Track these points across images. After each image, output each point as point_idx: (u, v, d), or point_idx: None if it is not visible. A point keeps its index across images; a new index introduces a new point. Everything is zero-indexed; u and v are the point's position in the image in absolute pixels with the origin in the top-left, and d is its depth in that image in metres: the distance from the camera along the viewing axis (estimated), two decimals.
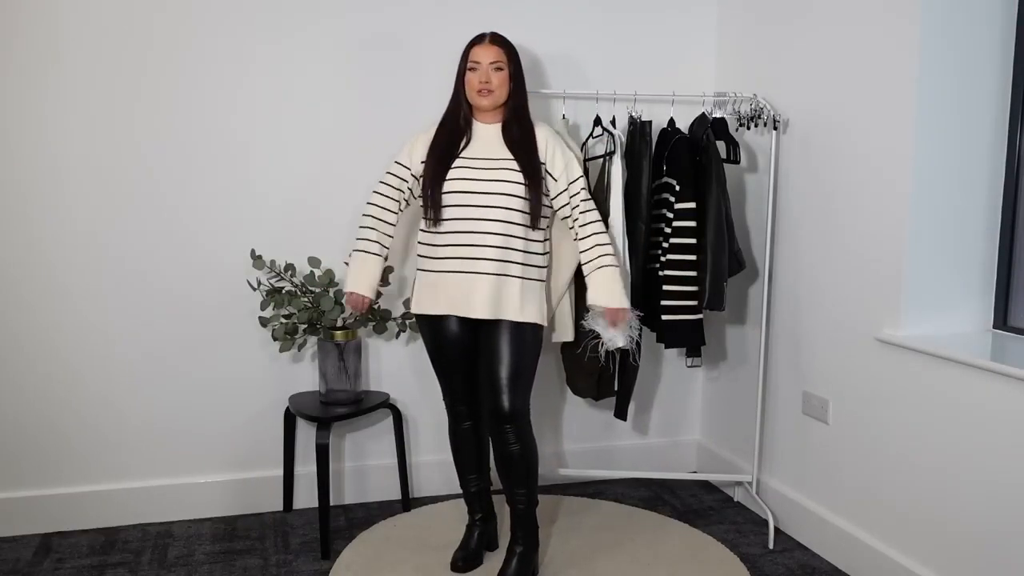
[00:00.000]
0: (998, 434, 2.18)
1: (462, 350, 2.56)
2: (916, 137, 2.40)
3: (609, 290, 2.50)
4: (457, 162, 2.46)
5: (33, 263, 2.82)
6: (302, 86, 2.96)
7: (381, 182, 2.58)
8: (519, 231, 2.46)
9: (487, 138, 2.50)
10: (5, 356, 2.84)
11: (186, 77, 2.87)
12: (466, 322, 2.52)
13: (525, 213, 2.45)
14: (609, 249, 2.52)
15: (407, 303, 2.94)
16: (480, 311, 2.45)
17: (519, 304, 2.46)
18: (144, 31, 2.81)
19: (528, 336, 2.49)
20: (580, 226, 2.53)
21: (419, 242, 2.56)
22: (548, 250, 2.61)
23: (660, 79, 3.25)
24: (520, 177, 2.44)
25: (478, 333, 2.53)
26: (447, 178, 2.45)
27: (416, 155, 2.54)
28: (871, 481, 2.61)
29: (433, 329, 2.56)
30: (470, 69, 2.46)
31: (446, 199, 2.45)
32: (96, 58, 2.79)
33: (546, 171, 2.51)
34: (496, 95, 2.46)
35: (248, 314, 2.96)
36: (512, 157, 2.45)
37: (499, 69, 2.45)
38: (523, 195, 2.44)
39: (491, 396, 2.48)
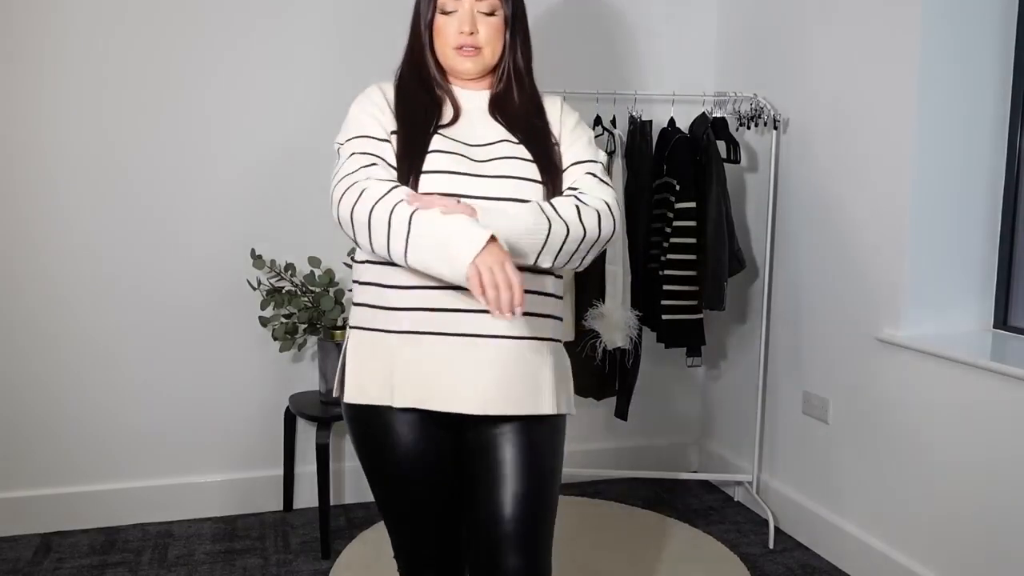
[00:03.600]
0: (998, 434, 2.18)
1: (437, 474, 1.56)
2: (916, 137, 2.40)
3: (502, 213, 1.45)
4: (437, 142, 1.52)
5: (32, 263, 2.82)
6: (303, 85, 2.96)
7: (355, 181, 1.47)
8: None
9: (474, 111, 1.61)
10: (5, 356, 2.84)
11: (185, 76, 2.87)
12: (443, 423, 1.53)
13: None
14: (576, 207, 1.51)
15: (340, 386, 1.62)
16: (486, 402, 1.47)
17: (552, 384, 1.54)
18: (139, 29, 2.81)
19: (559, 438, 1.60)
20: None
21: (356, 280, 1.57)
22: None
23: (660, 79, 3.25)
24: (533, 170, 1.53)
25: (464, 439, 1.56)
26: (423, 169, 1.49)
27: (387, 122, 1.55)
28: (871, 481, 2.61)
29: (379, 435, 1.54)
30: (443, 12, 1.57)
31: None
32: (95, 57, 2.79)
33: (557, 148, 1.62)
34: (485, 54, 1.59)
35: (248, 314, 2.96)
36: (517, 140, 1.57)
37: (490, 14, 1.58)
38: (539, 199, 1.52)
39: (492, 552, 1.51)
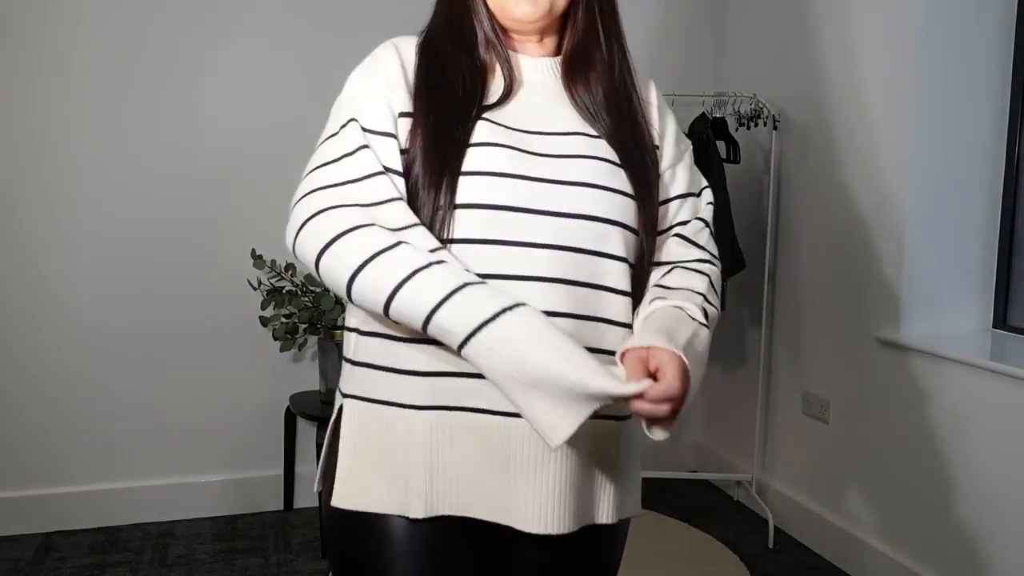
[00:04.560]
0: (998, 434, 2.18)
1: None
2: (916, 136, 2.40)
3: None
4: (482, 130, 1.06)
5: (31, 263, 2.82)
6: (305, 83, 2.96)
7: (334, 203, 1.04)
8: (617, 302, 1.08)
9: (536, 87, 1.13)
10: (5, 355, 2.84)
11: (183, 75, 2.87)
12: (478, 538, 1.09)
13: (628, 264, 1.09)
14: (712, 309, 1.13)
15: (327, 478, 1.13)
16: (550, 515, 1.03)
17: (629, 479, 1.14)
18: (141, 27, 2.82)
19: (619, 551, 1.20)
20: (682, 259, 1.17)
21: (354, 328, 1.12)
22: None
23: (660, 79, 3.24)
24: (622, 179, 1.09)
25: (504, 560, 1.13)
26: (463, 169, 1.03)
27: (398, 101, 1.08)
28: (871, 481, 2.61)
29: (382, 556, 1.07)
30: None
31: (463, 220, 1.03)
32: (96, 54, 2.79)
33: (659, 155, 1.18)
34: None
35: (248, 314, 2.97)
36: (597, 132, 1.12)
37: None
38: (629, 221, 1.09)
39: None
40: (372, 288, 0.97)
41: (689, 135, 2.91)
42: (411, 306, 0.96)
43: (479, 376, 1.00)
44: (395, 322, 1.01)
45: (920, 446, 2.42)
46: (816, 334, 2.83)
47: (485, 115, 1.07)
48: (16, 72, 2.74)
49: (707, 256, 1.18)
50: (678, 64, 3.30)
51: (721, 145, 2.91)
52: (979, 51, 2.41)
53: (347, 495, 1.08)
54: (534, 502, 1.03)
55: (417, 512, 1.04)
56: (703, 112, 2.95)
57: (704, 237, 1.18)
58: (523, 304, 0.96)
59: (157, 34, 2.83)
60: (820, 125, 2.77)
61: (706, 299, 1.12)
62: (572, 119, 1.12)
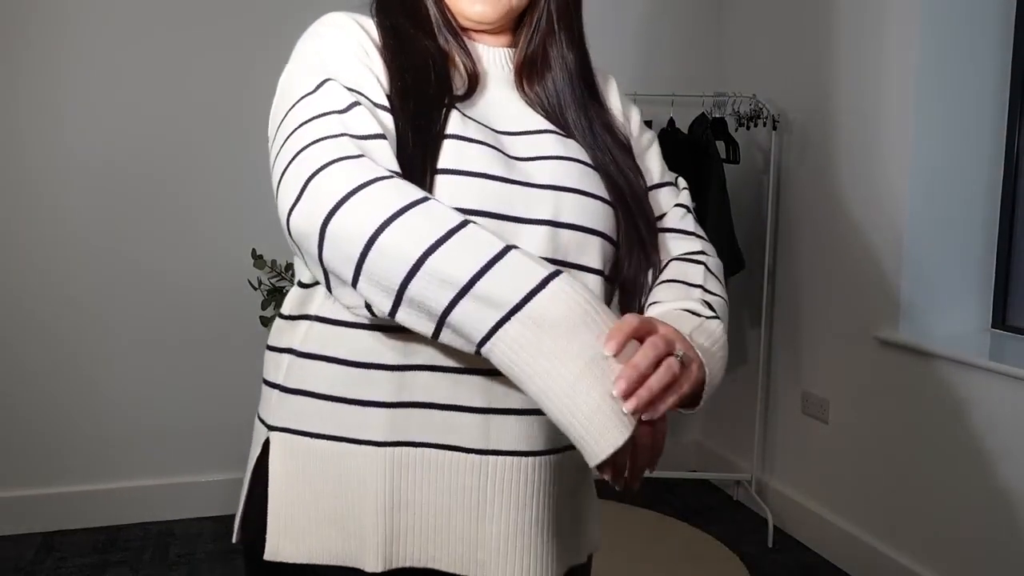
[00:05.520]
0: (997, 434, 2.18)
1: None
2: (915, 136, 2.41)
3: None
4: (454, 123, 0.93)
5: (32, 262, 2.83)
6: None
7: (336, 156, 0.86)
8: None
9: (496, 81, 1.03)
10: (6, 354, 2.85)
11: (186, 73, 2.87)
12: None
13: (602, 276, 0.98)
14: (716, 298, 1.01)
15: (250, 528, 0.98)
16: (523, 568, 0.92)
17: (595, 509, 1.06)
18: (146, 27, 2.82)
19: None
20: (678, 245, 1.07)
21: (290, 349, 0.98)
22: None
23: (660, 79, 3.26)
24: (597, 183, 0.98)
25: None
26: (440, 166, 0.90)
27: (381, 77, 0.94)
28: (871, 481, 2.61)
29: None
30: None
31: None
32: (97, 53, 2.79)
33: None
34: None
35: (249, 314, 2.97)
36: (565, 132, 1.01)
37: None
38: (608, 231, 0.98)
39: None
40: (401, 243, 0.79)
41: (689, 135, 2.91)
42: (455, 262, 0.78)
43: (450, 407, 0.89)
44: (406, 301, 0.80)
45: (919, 446, 2.42)
46: (816, 334, 2.83)
47: (456, 105, 0.94)
48: (24, 70, 2.74)
49: (698, 246, 1.06)
50: (678, 64, 3.30)
51: (721, 145, 2.91)
52: (979, 51, 2.41)
53: (284, 547, 0.92)
54: (510, 552, 0.90)
55: (373, 565, 0.90)
56: (703, 112, 2.95)
57: (690, 223, 1.08)
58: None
59: (167, 38, 2.83)
60: (820, 125, 2.78)
61: (705, 289, 0.99)
62: (534, 117, 1.01)
